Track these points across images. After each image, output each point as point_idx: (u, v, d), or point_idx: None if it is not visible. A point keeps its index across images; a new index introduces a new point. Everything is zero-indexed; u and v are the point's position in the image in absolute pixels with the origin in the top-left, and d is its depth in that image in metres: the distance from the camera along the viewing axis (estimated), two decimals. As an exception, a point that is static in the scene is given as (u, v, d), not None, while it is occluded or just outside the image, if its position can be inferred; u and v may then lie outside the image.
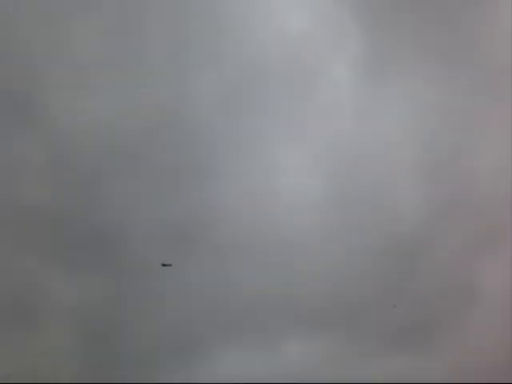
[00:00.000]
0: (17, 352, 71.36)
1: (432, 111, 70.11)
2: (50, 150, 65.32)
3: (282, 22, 71.99)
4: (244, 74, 70.22)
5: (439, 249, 62.71)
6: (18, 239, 73.47)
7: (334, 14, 72.49)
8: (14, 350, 73.51)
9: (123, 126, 67.39)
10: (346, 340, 64.94)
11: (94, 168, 65.64)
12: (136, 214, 69.15)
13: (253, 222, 68.59)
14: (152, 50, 69.08)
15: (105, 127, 65.05)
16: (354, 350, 63.31)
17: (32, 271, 75.08)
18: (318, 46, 75.09)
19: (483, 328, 58.59)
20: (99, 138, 65.15)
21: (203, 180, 71.02)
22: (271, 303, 68.28)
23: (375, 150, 72.36)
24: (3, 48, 62.96)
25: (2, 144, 61.82)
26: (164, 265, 59.55)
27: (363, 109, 72.20)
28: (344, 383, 56.85)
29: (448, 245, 63.94)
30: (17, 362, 71.42)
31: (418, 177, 68.52)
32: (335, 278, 64.64)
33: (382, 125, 71.26)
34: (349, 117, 71.77)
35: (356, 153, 71.31)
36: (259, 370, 64.07)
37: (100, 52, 65.57)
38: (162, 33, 69.89)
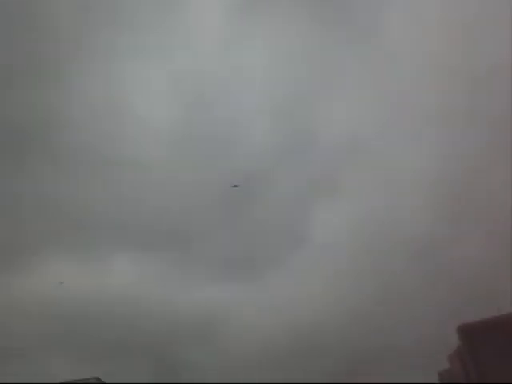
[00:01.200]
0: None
1: (292, 57, 70.31)
2: None
3: None
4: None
5: (279, 189, 63.32)
6: None
7: None
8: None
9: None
10: (177, 263, 64.21)
11: None
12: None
13: (93, 135, 64.39)
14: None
15: None
16: (184, 273, 62.82)
17: None
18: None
19: (306, 271, 60.44)
20: None
21: (45, 83, 64.98)
22: (105, 219, 65.28)
23: (231, 86, 71.46)
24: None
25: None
26: (235, 185, 57.29)
27: (228, 41, 70.59)
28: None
29: (287, 186, 64.88)
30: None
31: (268, 117, 69.06)
32: (174, 205, 63.26)
33: (241, 62, 70.20)
34: (210, 46, 69.73)
35: (212, 84, 69.76)
36: (84, 281, 61.46)
37: None
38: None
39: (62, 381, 69.51)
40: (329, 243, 61.14)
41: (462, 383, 35.23)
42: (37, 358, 76.31)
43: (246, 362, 56.26)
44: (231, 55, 74.12)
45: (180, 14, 72.42)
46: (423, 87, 66.17)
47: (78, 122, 64.37)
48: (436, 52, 64.98)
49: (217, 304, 57.54)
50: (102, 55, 68.48)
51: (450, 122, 62.54)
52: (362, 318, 50.79)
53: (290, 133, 70.69)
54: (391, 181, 62.64)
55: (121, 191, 66.14)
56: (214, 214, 63.95)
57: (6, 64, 61.23)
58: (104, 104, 66.32)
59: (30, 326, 73.11)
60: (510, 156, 51.51)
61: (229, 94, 71.96)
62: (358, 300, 52.92)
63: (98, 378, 68.65)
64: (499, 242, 47.75)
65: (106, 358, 65.63)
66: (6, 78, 60.68)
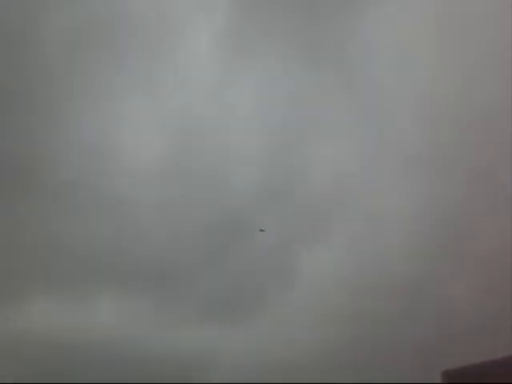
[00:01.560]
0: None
1: (284, 97, 71.46)
2: None
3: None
4: (102, 22, 66.48)
5: (268, 227, 63.47)
6: None
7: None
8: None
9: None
10: (160, 303, 63.18)
11: None
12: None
13: (81, 173, 64.41)
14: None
15: None
16: (168, 314, 61.77)
17: None
18: (185, 8, 73.28)
19: (298, 308, 60.23)
20: None
21: (39, 122, 65.60)
22: (86, 256, 64.27)
23: (221, 125, 72.15)
24: None
25: None
26: (261, 230, 58.55)
27: (218, 80, 71.67)
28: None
29: (276, 226, 65.11)
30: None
31: (259, 157, 69.70)
32: (162, 243, 62.98)
33: (234, 100, 71.24)
34: (203, 85, 70.84)
35: (202, 123, 70.43)
36: (66, 321, 59.84)
37: None
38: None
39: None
40: (316, 285, 61.34)
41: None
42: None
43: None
44: (221, 95, 75.44)
45: (171, 53, 73.90)
46: (414, 130, 67.27)
47: (69, 160, 65.21)
48: (428, 93, 66.30)
49: (203, 344, 56.63)
50: (95, 94, 69.70)
51: (438, 163, 63.38)
52: (349, 360, 50.49)
53: (279, 173, 71.59)
54: (378, 222, 63.00)
55: (108, 229, 66.31)
56: (201, 253, 64.07)
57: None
58: (95, 142, 67.33)
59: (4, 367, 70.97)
60: (493, 197, 52.33)
61: (217, 134, 72.97)
62: (345, 342, 52.56)
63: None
64: (486, 282, 48.03)
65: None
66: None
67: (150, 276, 66.95)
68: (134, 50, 67.24)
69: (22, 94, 65.18)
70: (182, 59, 70.72)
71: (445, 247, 60.84)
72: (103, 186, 63.53)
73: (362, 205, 67.82)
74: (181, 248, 64.81)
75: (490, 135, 58.85)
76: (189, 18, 73.72)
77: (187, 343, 59.71)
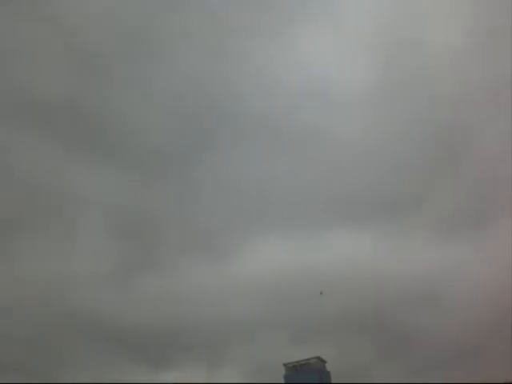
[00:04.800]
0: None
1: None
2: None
3: None
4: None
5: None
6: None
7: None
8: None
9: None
10: (395, 231, 65.89)
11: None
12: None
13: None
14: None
15: None
16: (401, 241, 64.48)
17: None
18: None
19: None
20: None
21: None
22: (317, 198, 69.57)
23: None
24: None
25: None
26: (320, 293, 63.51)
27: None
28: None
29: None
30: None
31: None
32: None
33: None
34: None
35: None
36: (306, 258, 65.78)
37: None
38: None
39: (286, 362, 74.53)
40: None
41: None
42: (261, 340, 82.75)
43: (472, 324, 55.84)
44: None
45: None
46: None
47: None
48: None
49: (438, 265, 58.14)
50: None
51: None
52: None
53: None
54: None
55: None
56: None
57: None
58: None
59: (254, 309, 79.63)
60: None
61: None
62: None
63: (319, 358, 72.38)
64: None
65: (326, 336, 69.11)
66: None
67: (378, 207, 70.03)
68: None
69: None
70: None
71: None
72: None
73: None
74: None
75: None
76: None
77: (424, 265, 61.38)
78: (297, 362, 72.91)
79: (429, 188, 68.46)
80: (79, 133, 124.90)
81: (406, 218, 70.36)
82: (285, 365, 73.55)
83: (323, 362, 73.67)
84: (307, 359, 72.77)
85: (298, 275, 73.72)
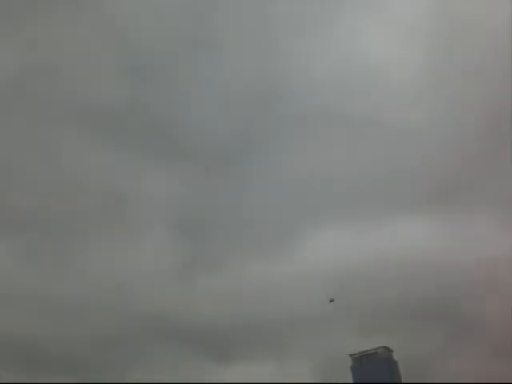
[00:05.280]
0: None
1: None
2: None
3: None
4: None
5: None
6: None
7: None
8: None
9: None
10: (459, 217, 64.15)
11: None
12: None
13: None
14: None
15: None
16: (464, 227, 62.25)
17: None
18: None
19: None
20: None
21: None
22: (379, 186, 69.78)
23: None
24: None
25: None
26: (331, 301, 63.62)
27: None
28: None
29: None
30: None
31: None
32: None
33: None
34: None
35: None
36: (368, 246, 66.19)
37: None
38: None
39: (353, 352, 74.91)
40: None
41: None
42: (326, 331, 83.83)
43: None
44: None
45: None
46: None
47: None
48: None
49: (503, 251, 57.51)
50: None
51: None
52: None
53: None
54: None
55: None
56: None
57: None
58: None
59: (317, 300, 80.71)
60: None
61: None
62: None
63: (385, 347, 72.42)
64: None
65: (391, 324, 69.33)
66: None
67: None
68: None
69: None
70: None
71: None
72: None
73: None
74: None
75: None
76: None
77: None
78: (363, 352, 73.00)
79: (490, 173, 67.84)
80: (144, 135, 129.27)
81: (469, 204, 70.10)
82: (351, 355, 73.64)
83: (390, 351, 73.20)
84: (374, 349, 72.70)
85: (361, 265, 74.19)
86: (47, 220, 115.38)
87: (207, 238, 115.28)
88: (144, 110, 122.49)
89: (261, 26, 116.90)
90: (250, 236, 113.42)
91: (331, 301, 65.42)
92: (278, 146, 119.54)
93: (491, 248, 62.28)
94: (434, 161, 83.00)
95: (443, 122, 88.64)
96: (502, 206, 68.04)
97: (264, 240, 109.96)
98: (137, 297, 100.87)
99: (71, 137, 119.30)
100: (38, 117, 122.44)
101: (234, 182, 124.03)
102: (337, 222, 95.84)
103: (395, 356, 72.60)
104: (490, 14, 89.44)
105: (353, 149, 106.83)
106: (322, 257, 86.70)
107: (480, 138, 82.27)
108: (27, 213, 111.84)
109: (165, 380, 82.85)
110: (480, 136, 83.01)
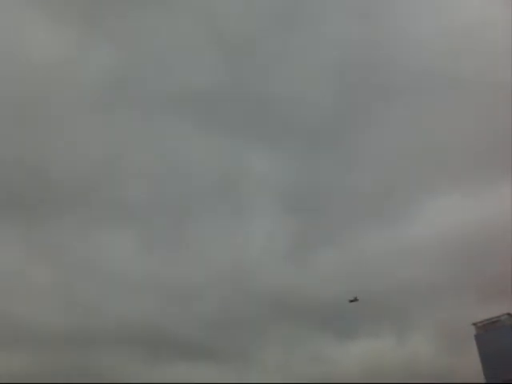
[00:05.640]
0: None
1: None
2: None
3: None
4: None
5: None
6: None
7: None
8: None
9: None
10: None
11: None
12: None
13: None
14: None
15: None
16: None
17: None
18: None
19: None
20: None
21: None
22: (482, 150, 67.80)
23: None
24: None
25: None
26: (351, 300, 63.65)
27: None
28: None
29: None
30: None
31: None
32: None
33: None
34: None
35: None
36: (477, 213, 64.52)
37: None
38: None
39: (475, 321, 74.30)
40: None
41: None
42: (446, 301, 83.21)
43: None
44: None
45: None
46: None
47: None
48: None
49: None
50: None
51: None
52: None
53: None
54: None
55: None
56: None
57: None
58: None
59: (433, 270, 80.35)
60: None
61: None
62: None
63: (509, 314, 70.95)
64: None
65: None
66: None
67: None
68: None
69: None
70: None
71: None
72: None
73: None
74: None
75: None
76: None
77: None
78: (486, 320, 72.20)
79: None
80: (245, 114, 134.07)
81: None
82: (474, 324, 73.36)
83: (514, 318, 71.89)
84: (497, 316, 71.70)
85: (471, 232, 72.68)
86: (163, 207, 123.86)
87: (320, 214, 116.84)
88: (245, 89, 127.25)
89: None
90: (364, 207, 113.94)
91: (353, 300, 63.45)
92: (387, 116, 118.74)
93: None
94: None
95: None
96: None
97: (379, 210, 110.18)
98: (252, 277, 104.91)
99: (174, 124, 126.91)
100: (143, 108, 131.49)
101: (339, 155, 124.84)
102: (453, 187, 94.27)
103: (520, 322, 71.05)
104: None
105: (459, 113, 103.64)
106: (441, 223, 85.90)
107: None
108: (141, 203, 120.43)
109: (294, 358, 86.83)
110: None
